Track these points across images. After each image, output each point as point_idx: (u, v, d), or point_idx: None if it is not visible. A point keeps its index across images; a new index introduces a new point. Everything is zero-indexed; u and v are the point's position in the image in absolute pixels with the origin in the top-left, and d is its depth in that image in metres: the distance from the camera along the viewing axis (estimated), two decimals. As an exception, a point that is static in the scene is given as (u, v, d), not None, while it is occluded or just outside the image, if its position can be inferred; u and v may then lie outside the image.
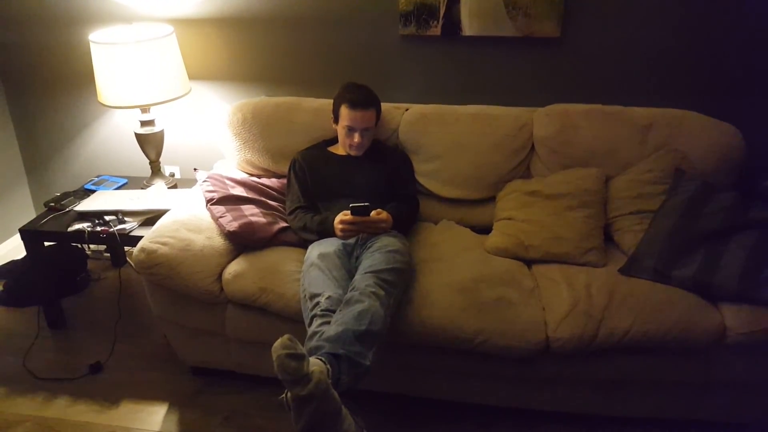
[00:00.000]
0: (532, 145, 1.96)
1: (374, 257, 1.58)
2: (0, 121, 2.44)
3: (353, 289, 1.47)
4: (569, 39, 2.01)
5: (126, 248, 2.46)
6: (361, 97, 1.80)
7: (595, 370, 1.57)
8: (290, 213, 1.86)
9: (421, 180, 2.01)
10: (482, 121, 1.96)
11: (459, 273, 1.64)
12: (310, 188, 1.88)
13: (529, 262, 1.75)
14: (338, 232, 1.68)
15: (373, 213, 1.67)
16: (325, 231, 1.73)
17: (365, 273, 1.51)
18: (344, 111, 1.80)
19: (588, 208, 1.78)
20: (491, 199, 1.98)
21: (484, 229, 1.89)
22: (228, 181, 1.92)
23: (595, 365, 1.56)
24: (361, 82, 1.86)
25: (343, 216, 1.67)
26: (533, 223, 1.77)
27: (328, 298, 1.47)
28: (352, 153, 1.88)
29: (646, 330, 1.48)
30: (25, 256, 2.22)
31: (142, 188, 2.24)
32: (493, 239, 1.80)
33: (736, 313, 1.50)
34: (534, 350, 1.52)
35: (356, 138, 1.82)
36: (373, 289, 1.44)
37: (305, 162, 1.90)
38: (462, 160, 1.95)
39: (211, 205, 1.82)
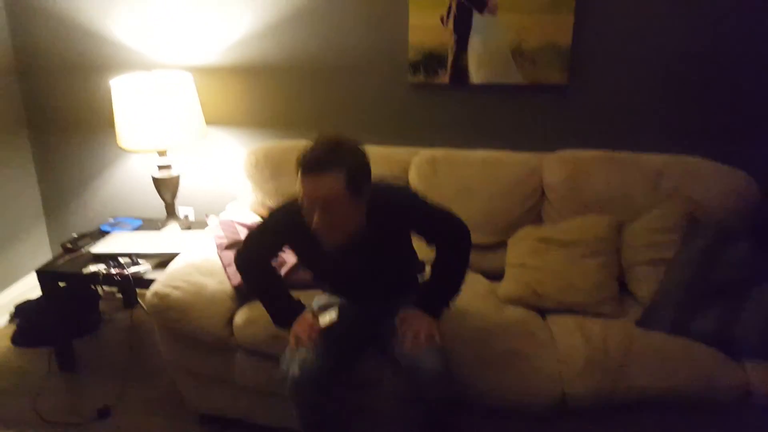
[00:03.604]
0: (543, 191, 1.96)
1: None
2: (22, 163, 2.52)
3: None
4: (577, 86, 2.03)
5: (138, 289, 2.47)
6: (313, 157, 1.23)
7: (613, 428, 1.51)
8: (245, 245, 1.50)
9: (431, 224, 2.00)
10: (492, 165, 1.96)
11: (470, 323, 1.61)
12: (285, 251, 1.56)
13: (542, 312, 1.72)
14: (291, 340, 1.39)
15: (398, 319, 1.38)
16: (277, 317, 1.48)
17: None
18: (299, 178, 1.26)
19: (601, 256, 1.75)
20: (502, 244, 1.96)
21: (495, 274, 1.87)
22: (237, 226, 1.94)
23: (612, 423, 1.50)
24: (345, 132, 1.34)
25: (307, 322, 1.41)
26: (546, 271, 1.75)
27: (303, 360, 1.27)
28: (324, 246, 1.33)
29: (665, 386, 1.44)
30: (39, 297, 2.25)
31: (156, 230, 2.27)
32: (506, 287, 1.78)
33: (762, 370, 1.45)
34: (549, 406, 1.47)
35: (315, 217, 1.26)
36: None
37: (285, 233, 1.44)
38: (472, 204, 1.94)
39: (221, 251, 1.83)
